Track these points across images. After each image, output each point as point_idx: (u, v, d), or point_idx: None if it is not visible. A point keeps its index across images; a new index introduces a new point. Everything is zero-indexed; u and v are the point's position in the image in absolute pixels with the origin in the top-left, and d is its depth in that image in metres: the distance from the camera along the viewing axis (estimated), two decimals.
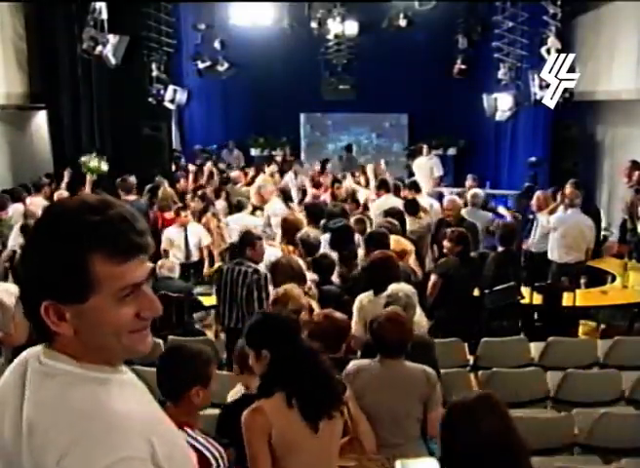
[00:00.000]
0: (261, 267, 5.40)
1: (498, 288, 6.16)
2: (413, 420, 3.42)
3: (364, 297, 4.65)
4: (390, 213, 6.88)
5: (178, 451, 1.35)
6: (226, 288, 5.30)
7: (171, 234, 7.69)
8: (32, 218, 7.09)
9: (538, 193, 8.26)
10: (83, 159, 9.31)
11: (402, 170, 13.44)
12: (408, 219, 7.12)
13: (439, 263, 6.23)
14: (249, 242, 5.40)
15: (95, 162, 9.27)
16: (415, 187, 8.79)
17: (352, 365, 3.47)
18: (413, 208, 7.60)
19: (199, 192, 9.62)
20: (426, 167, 11.84)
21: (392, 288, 4.19)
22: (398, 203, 7.90)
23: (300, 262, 5.11)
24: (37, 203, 8.29)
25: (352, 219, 6.97)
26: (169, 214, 8.22)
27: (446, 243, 6.08)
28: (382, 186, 8.65)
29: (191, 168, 11.38)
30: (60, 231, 1.24)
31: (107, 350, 1.31)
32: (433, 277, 6.01)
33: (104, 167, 9.48)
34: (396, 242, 5.89)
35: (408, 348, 3.48)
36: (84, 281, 1.23)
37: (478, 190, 8.78)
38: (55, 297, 1.24)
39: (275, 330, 2.87)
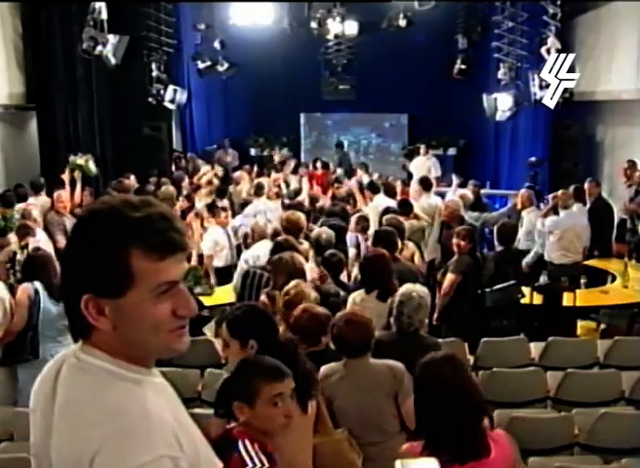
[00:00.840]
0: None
1: (498, 287, 6.15)
2: (388, 417, 3.45)
3: (356, 295, 4.69)
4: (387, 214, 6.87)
5: (202, 457, 1.37)
6: (251, 291, 5.22)
7: (215, 235, 7.57)
8: (29, 219, 7.08)
9: (521, 191, 8.51)
10: (71, 158, 9.24)
11: (401, 170, 13.43)
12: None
13: (454, 262, 6.03)
14: (282, 251, 5.25)
15: (81, 161, 9.20)
16: (424, 184, 8.85)
17: (322, 370, 3.47)
18: (406, 208, 7.61)
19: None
20: (424, 167, 11.76)
21: (406, 287, 4.13)
22: (391, 203, 7.95)
23: (302, 260, 5.10)
24: (38, 203, 8.29)
25: (353, 218, 6.99)
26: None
27: (456, 241, 6.04)
28: (372, 188, 8.66)
29: (204, 169, 11.35)
30: (102, 227, 1.28)
31: (144, 347, 1.33)
32: (451, 276, 5.90)
33: (93, 168, 9.39)
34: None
35: (371, 346, 3.51)
36: (123, 275, 1.26)
37: (466, 191, 8.90)
38: (95, 291, 1.28)
39: (263, 322, 3.03)
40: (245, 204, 8.81)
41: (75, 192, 8.58)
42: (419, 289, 4.11)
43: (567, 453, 4.18)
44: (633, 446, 4.01)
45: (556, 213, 7.83)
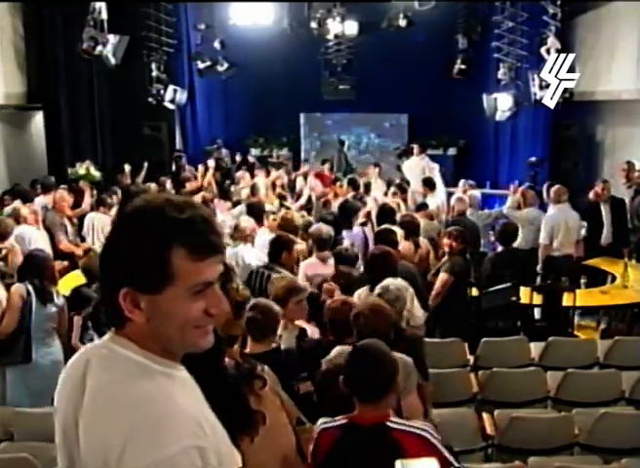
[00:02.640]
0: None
1: (493, 288, 6.16)
2: None
3: (361, 292, 4.70)
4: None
5: (223, 453, 1.39)
6: (254, 292, 5.20)
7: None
8: (20, 220, 7.02)
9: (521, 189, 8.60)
10: (70, 170, 9.26)
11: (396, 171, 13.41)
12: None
13: (447, 262, 6.01)
14: (286, 245, 5.26)
15: (82, 170, 9.25)
16: (429, 184, 8.91)
17: (334, 351, 3.43)
18: (421, 205, 7.72)
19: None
20: (418, 167, 11.59)
21: (385, 281, 4.27)
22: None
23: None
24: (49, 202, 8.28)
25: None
26: None
27: (448, 242, 6.03)
28: (351, 184, 8.70)
29: (200, 168, 11.31)
30: (146, 225, 1.33)
31: (173, 341, 1.38)
32: (444, 275, 5.88)
33: (95, 173, 9.42)
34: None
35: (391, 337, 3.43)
36: (163, 273, 1.31)
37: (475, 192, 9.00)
38: (134, 286, 1.33)
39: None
40: (237, 203, 8.74)
41: (85, 201, 8.58)
42: (397, 282, 4.26)
43: (567, 453, 4.18)
44: (633, 446, 4.02)
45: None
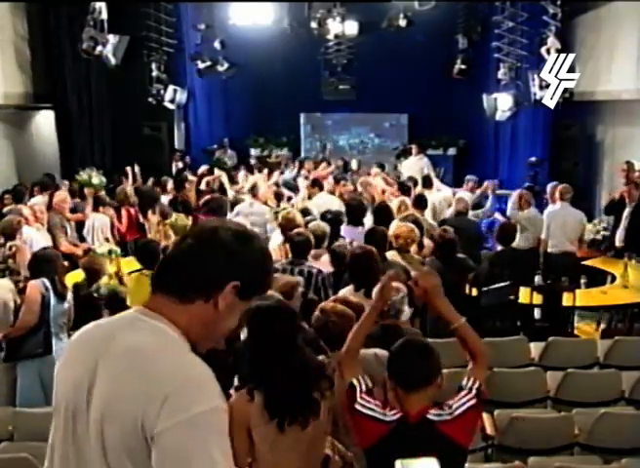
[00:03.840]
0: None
1: (491, 287, 6.14)
2: None
3: (345, 291, 4.67)
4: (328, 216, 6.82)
5: None
6: None
7: None
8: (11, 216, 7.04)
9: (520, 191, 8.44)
10: (77, 178, 9.29)
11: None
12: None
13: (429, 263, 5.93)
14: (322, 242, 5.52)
15: (85, 176, 9.27)
16: (426, 182, 8.92)
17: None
18: (421, 203, 7.70)
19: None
20: (416, 167, 11.57)
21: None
22: (334, 201, 8.14)
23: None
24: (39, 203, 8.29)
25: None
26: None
27: (429, 243, 6.03)
28: (315, 184, 8.72)
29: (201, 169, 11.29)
30: (264, 250, 1.66)
31: (209, 337, 1.61)
32: None
33: (97, 180, 9.42)
34: None
35: None
36: (264, 289, 1.67)
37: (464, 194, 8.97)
38: (241, 285, 1.55)
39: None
40: (235, 203, 8.74)
41: (87, 208, 8.59)
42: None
43: (567, 453, 4.18)
44: (633, 446, 4.02)
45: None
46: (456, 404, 2.54)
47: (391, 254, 5.60)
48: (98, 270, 6.08)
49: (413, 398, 2.52)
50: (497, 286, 6.12)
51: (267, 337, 2.75)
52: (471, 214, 8.32)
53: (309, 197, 8.83)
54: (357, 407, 2.57)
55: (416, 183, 9.52)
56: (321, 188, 8.90)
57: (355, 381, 2.62)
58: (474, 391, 2.55)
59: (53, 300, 4.96)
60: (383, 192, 9.02)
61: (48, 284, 4.96)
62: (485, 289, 6.08)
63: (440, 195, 9.29)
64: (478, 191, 9.32)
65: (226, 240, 1.56)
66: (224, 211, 7.61)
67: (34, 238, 6.88)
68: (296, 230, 5.68)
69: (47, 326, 4.94)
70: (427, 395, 2.54)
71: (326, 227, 6.02)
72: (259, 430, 2.61)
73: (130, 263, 8.12)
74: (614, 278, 7.46)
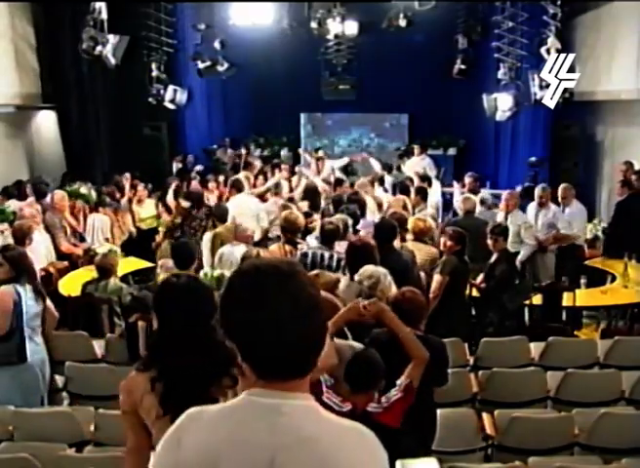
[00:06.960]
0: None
1: (517, 287, 6.16)
2: None
3: (343, 280, 4.69)
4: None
5: None
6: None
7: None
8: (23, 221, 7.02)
9: (507, 193, 8.31)
10: (69, 189, 9.26)
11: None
12: None
13: (442, 263, 5.84)
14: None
15: (75, 187, 9.30)
16: (427, 180, 9.00)
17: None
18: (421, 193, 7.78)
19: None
20: (419, 167, 11.58)
21: (364, 268, 4.39)
22: (252, 202, 8.12)
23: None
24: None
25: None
26: None
27: (444, 240, 5.97)
28: (235, 186, 8.48)
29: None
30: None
31: None
32: (437, 277, 5.72)
33: (84, 190, 9.42)
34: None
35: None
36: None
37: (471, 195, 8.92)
38: None
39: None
40: (236, 184, 8.70)
41: (81, 220, 8.55)
42: (378, 269, 4.40)
43: (567, 453, 4.18)
44: (633, 446, 4.02)
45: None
46: (385, 398, 3.24)
47: (411, 244, 6.28)
48: (110, 269, 6.11)
49: (359, 397, 3.21)
50: (521, 285, 6.17)
51: (171, 314, 2.55)
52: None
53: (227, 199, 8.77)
54: (324, 399, 3.10)
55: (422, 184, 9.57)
56: (239, 190, 8.49)
57: (321, 377, 3.15)
58: (403, 387, 3.28)
59: (29, 302, 4.69)
60: (380, 206, 8.55)
61: (20, 289, 4.66)
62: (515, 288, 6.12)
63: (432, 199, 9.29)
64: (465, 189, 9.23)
65: (312, 293, 1.44)
66: (225, 219, 7.43)
67: (34, 238, 6.87)
68: (327, 219, 6.17)
69: (20, 332, 4.64)
70: (369, 395, 3.23)
71: (348, 219, 6.32)
72: (154, 422, 2.47)
73: (130, 263, 8.15)
74: (614, 278, 7.46)
